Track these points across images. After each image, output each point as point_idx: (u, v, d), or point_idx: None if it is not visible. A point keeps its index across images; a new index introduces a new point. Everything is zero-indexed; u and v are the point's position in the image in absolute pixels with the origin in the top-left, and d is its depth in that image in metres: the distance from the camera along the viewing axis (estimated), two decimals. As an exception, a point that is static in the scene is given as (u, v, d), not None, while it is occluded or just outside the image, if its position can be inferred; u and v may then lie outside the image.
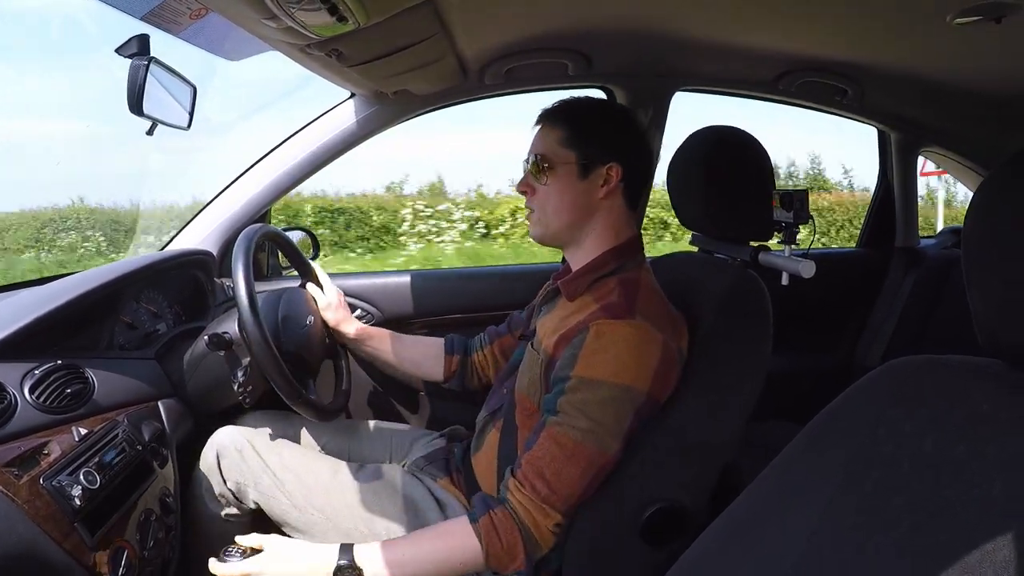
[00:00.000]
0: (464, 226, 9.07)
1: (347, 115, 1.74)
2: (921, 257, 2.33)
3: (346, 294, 1.67)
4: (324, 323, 1.53)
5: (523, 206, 1.26)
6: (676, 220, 1.45)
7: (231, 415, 1.51)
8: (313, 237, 1.91)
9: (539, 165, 1.19)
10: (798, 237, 1.31)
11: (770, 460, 0.76)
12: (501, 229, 9.17)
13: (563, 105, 1.22)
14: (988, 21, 1.14)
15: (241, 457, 1.31)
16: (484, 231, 9.21)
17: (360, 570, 1.02)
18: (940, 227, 5.60)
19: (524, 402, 1.20)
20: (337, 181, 10.22)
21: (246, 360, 1.29)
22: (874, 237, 2.44)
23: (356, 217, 9.14)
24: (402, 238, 9.00)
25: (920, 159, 2.37)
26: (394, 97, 1.67)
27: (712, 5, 1.32)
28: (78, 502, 0.94)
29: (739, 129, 1.28)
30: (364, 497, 1.28)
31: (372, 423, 1.60)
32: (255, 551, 1.06)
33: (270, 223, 1.91)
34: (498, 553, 1.04)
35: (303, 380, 1.39)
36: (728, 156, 1.26)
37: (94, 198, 9.44)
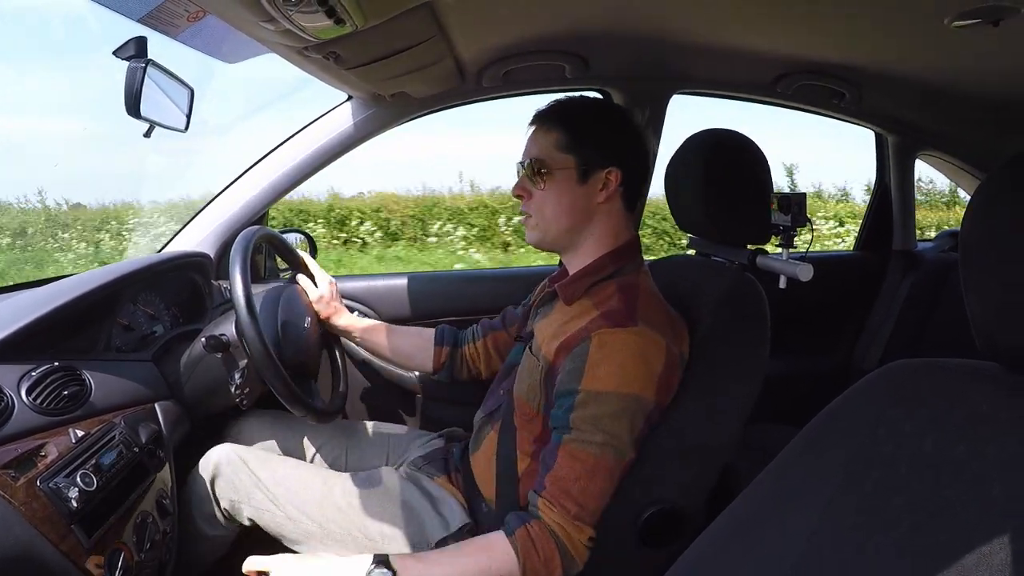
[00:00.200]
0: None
1: (344, 117, 1.74)
2: (918, 260, 2.34)
3: (343, 297, 1.66)
4: (318, 317, 1.52)
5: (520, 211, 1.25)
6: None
7: (228, 417, 1.50)
8: (310, 239, 1.91)
9: (536, 169, 1.17)
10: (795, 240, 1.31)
11: (768, 462, 0.76)
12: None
13: (558, 106, 1.20)
14: (986, 24, 1.14)
15: (234, 474, 1.30)
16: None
17: (395, 570, 0.99)
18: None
19: (523, 406, 1.20)
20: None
21: (243, 362, 1.29)
22: (871, 240, 2.44)
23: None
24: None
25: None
26: (392, 99, 1.67)
27: (710, 7, 1.32)
28: (75, 504, 0.93)
29: (737, 132, 1.28)
30: (357, 503, 1.28)
31: (370, 425, 1.60)
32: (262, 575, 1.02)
33: (267, 225, 1.90)
34: (535, 566, 1.02)
35: (304, 382, 1.38)
36: (727, 159, 1.26)
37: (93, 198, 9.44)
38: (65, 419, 1.04)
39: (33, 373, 1.04)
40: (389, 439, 1.56)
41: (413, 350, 1.56)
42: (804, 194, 1.32)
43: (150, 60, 1.27)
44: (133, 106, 1.28)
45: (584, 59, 1.65)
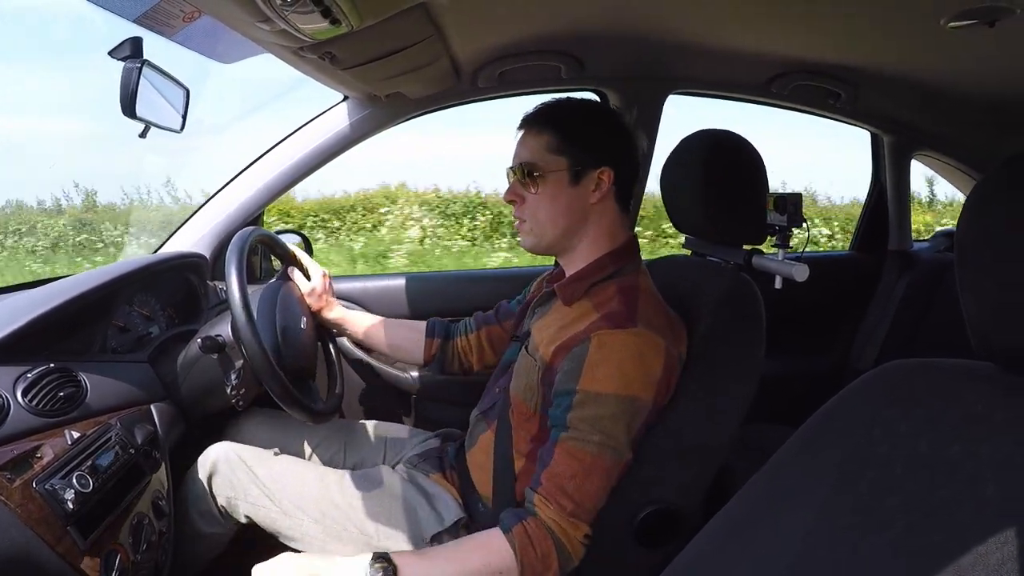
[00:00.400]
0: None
1: (340, 118, 1.73)
2: (914, 261, 2.34)
3: (338, 297, 1.66)
4: (311, 312, 1.51)
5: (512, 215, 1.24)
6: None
7: (225, 417, 1.50)
8: (306, 239, 1.90)
9: (528, 173, 1.17)
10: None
11: (764, 462, 0.76)
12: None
13: (547, 109, 1.20)
14: (982, 25, 1.14)
15: (231, 471, 1.30)
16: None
17: (396, 566, 0.99)
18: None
19: (520, 406, 1.20)
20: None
21: (239, 363, 1.28)
22: (867, 241, 2.45)
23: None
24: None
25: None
26: (387, 100, 1.67)
27: (706, 7, 1.32)
28: (71, 505, 0.93)
29: (733, 132, 1.28)
30: (353, 499, 1.28)
31: (366, 424, 1.60)
32: None
33: (263, 226, 1.90)
34: (532, 562, 1.02)
35: (302, 384, 1.38)
36: (724, 159, 1.26)
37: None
38: (61, 420, 1.04)
39: (29, 375, 1.04)
40: (386, 438, 1.56)
41: (403, 342, 1.56)
42: (800, 194, 1.32)
43: (146, 60, 1.27)
44: (129, 106, 1.27)
45: (580, 60, 1.65)
